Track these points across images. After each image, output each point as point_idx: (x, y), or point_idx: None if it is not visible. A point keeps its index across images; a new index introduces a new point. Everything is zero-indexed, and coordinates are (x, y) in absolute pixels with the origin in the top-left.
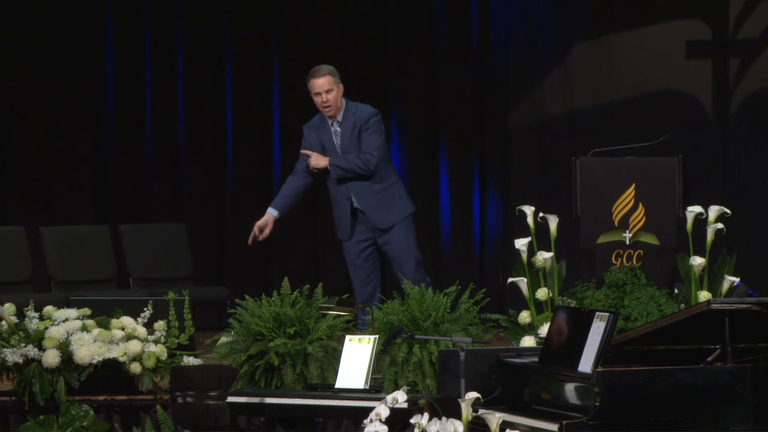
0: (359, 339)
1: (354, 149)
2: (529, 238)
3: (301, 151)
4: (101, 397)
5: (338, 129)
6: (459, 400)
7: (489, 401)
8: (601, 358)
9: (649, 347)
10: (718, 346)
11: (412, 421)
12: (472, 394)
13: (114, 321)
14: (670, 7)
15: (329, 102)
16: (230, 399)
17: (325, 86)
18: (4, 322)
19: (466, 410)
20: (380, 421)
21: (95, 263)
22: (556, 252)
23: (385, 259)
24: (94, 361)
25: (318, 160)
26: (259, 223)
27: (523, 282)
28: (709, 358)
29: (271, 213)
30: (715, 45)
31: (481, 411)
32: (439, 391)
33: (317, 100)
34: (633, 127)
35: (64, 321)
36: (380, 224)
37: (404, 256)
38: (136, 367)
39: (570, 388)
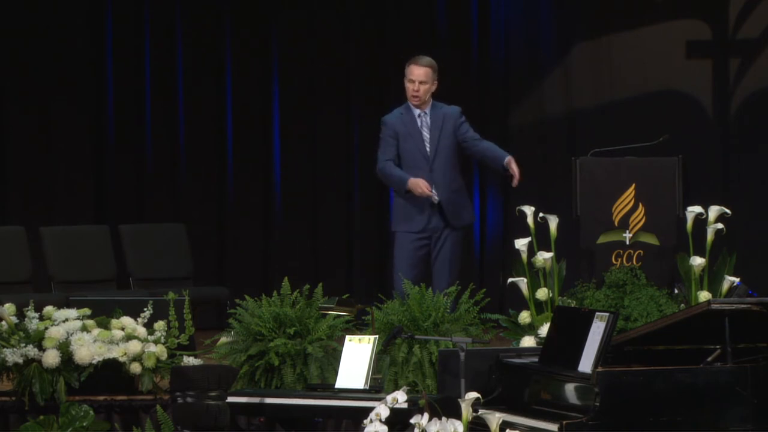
0: (359, 339)
1: (445, 139)
2: (529, 238)
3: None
4: (101, 397)
5: (427, 120)
6: (459, 400)
7: (489, 401)
8: (601, 358)
9: (649, 347)
10: (718, 346)
11: (412, 421)
12: (472, 394)
13: (114, 321)
14: (670, 7)
15: (419, 93)
16: (230, 399)
17: (421, 77)
18: (4, 322)
19: (466, 410)
20: (380, 421)
21: (95, 263)
22: (556, 252)
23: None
24: (94, 361)
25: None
26: (424, 182)
27: (523, 282)
28: (709, 358)
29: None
30: (715, 45)
31: (481, 411)
32: (439, 391)
33: (409, 87)
34: (633, 127)
35: (64, 321)
36: (455, 221)
37: (453, 264)
38: (136, 367)
39: (570, 388)
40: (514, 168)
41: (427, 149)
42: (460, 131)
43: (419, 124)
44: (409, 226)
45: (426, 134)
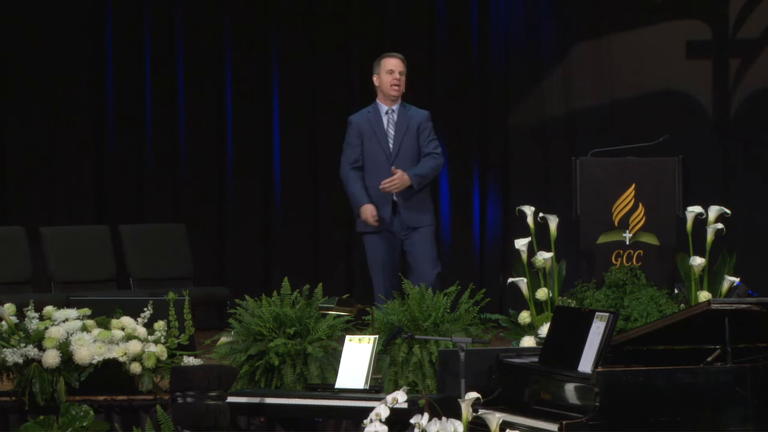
0: (359, 339)
1: (409, 139)
2: (529, 238)
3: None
4: (101, 397)
5: (394, 118)
6: (459, 400)
7: (489, 401)
8: (601, 358)
9: (649, 347)
10: (718, 346)
11: (412, 421)
12: (472, 394)
13: (114, 321)
14: (670, 7)
15: (400, 83)
16: (230, 399)
17: (400, 67)
18: (4, 322)
19: (466, 410)
20: (380, 421)
21: (95, 263)
22: (556, 252)
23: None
24: (94, 361)
25: (403, 181)
26: (373, 212)
27: (523, 282)
28: (709, 358)
29: (370, 203)
30: (715, 45)
31: (481, 411)
32: (439, 391)
33: (389, 78)
34: (633, 127)
35: (64, 321)
36: (412, 222)
37: (427, 261)
38: (136, 367)
39: (570, 388)
40: (395, 177)
41: (390, 148)
42: (421, 135)
43: (386, 122)
44: (369, 227)
45: (391, 132)
